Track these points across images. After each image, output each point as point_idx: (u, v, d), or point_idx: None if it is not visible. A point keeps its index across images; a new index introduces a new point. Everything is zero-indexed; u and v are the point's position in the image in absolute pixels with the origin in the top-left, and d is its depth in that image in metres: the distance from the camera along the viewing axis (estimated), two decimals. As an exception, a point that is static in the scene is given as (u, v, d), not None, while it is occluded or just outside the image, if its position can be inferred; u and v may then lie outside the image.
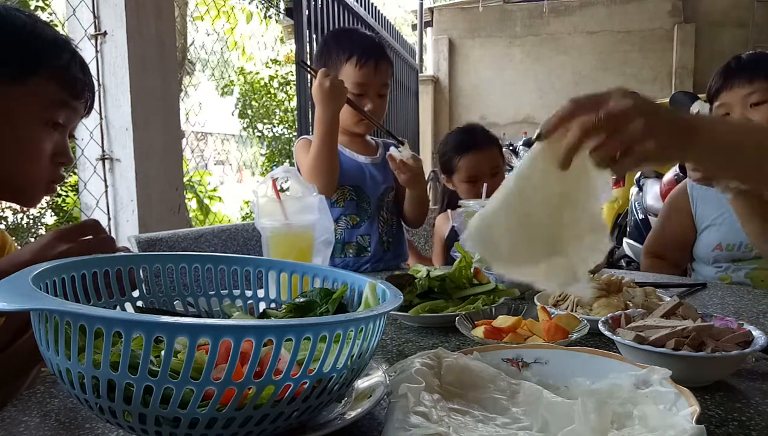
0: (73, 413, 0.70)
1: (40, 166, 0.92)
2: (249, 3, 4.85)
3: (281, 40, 5.83)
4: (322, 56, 1.72)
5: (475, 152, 1.93)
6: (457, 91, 9.01)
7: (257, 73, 6.10)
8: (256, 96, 6.09)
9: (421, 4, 8.99)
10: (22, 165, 0.91)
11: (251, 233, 1.80)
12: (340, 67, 1.65)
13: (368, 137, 1.82)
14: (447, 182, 2.04)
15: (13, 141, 0.89)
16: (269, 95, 6.16)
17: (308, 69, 1.69)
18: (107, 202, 2.05)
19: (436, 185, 5.11)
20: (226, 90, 5.89)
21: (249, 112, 6.08)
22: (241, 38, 5.33)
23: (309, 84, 3.58)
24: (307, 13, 3.52)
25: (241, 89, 6.10)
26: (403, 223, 1.88)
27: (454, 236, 1.95)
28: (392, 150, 1.61)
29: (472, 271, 1.17)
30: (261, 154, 6.17)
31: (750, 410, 0.67)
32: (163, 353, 0.48)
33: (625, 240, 3.97)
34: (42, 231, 3.58)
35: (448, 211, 2.12)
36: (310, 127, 3.47)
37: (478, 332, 0.92)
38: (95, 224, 0.84)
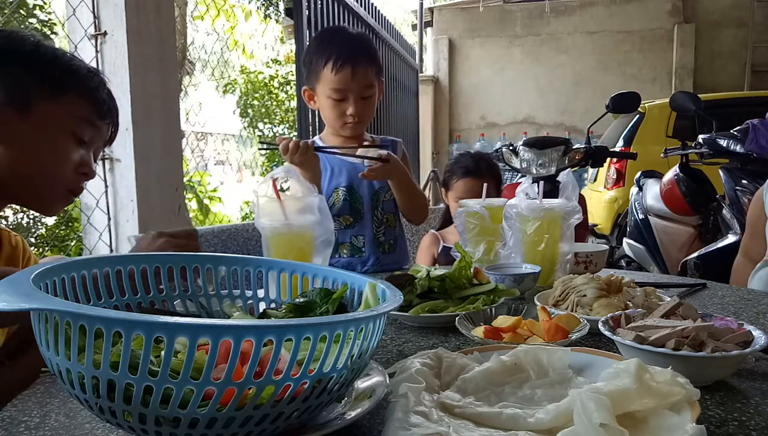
0: (73, 413, 0.70)
1: (63, 172, 1.04)
2: (249, 2, 4.85)
3: (281, 40, 5.82)
4: (305, 62, 1.72)
5: (473, 178, 2.12)
6: (457, 91, 9.00)
7: (260, 73, 6.09)
8: (257, 95, 6.07)
9: (421, 4, 8.99)
10: (47, 169, 1.03)
11: (251, 232, 1.80)
12: (320, 72, 1.64)
13: (367, 135, 1.81)
14: (444, 196, 2.19)
15: (44, 147, 1.02)
16: (271, 94, 6.14)
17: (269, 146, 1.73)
18: (107, 202, 2.05)
19: (436, 185, 5.11)
20: (227, 89, 5.88)
21: (250, 111, 6.07)
22: (241, 37, 5.33)
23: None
24: (307, 13, 3.52)
25: (242, 89, 6.09)
26: (407, 221, 1.88)
27: (443, 257, 1.97)
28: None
29: (472, 271, 1.17)
30: (261, 154, 6.15)
31: (750, 410, 0.67)
32: (163, 353, 0.48)
33: (625, 240, 3.95)
34: (42, 231, 3.57)
35: (438, 232, 2.14)
36: (311, 128, 3.47)
37: (478, 332, 0.92)
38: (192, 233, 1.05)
